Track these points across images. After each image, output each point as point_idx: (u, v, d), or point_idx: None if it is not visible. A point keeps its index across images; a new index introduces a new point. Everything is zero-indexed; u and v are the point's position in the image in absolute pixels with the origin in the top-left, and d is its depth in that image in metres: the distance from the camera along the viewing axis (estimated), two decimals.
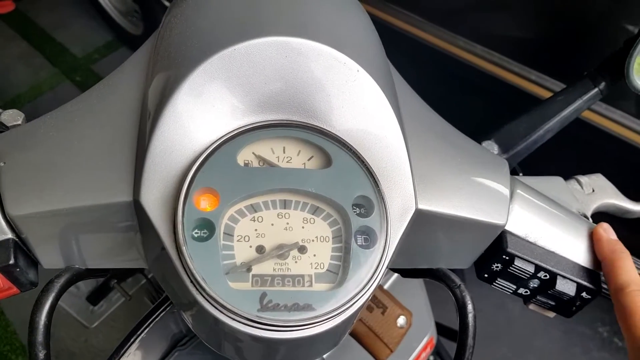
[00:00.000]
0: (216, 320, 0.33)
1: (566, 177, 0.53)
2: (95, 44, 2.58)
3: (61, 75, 2.46)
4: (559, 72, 1.17)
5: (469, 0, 1.27)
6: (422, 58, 1.38)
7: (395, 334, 0.67)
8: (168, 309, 0.54)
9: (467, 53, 1.26)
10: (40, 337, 0.36)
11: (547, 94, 1.18)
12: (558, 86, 1.17)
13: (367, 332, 0.62)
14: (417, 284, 0.82)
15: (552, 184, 0.50)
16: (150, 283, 0.91)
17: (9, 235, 0.36)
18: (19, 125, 0.44)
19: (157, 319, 0.53)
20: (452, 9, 1.30)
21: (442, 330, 0.87)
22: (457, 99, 1.38)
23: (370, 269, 0.35)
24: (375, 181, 0.37)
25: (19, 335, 1.60)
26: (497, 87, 1.26)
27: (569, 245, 0.44)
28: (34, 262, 0.40)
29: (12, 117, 0.44)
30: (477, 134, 0.51)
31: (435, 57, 1.35)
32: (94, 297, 0.92)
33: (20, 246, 0.38)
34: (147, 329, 0.53)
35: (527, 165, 0.56)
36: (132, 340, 0.51)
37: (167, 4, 2.06)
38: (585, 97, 0.53)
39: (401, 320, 0.68)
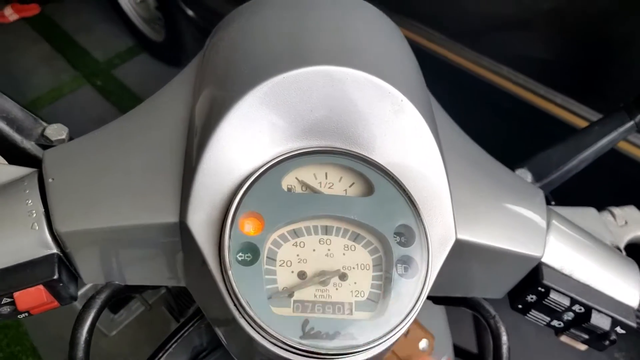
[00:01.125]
0: (256, 344, 0.34)
1: (598, 208, 0.53)
2: (117, 49, 2.62)
3: (82, 79, 2.49)
4: (585, 95, 1.16)
5: (494, 21, 1.27)
6: (444, 77, 1.38)
7: (416, 357, 0.67)
8: (196, 324, 0.55)
9: (491, 73, 1.26)
10: (80, 353, 0.37)
11: (571, 118, 1.17)
12: (583, 110, 1.16)
13: (389, 355, 0.62)
14: (438, 306, 0.81)
15: (585, 214, 0.50)
16: (169, 292, 0.91)
17: (54, 250, 0.37)
18: (63, 139, 0.45)
19: (185, 334, 0.54)
20: (477, 29, 1.30)
21: (458, 352, 0.86)
22: (479, 120, 1.37)
23: (412, 299, 0.35)
24: (417, 210, 0.37)
25: (30, 336, 1.61)
26: (520, 108, 1.26)
27: (603, 278, 0.44)
28: (74, 277, 0.40)
29: (57, 131, 0.45)
30: (500, 156, 0.51)
31: (458, 77, 1.35)
32: (115, 306, 0.93)
33: (64, 261, 0.38)
34: (175, 345, 0.53)
35: (558, 194, 0.56)
36: (159, 355, 0.52)
37: (190, 12, 2.09)
38: (621, 130, 0.52)
39: (423, 344, 0.68)
